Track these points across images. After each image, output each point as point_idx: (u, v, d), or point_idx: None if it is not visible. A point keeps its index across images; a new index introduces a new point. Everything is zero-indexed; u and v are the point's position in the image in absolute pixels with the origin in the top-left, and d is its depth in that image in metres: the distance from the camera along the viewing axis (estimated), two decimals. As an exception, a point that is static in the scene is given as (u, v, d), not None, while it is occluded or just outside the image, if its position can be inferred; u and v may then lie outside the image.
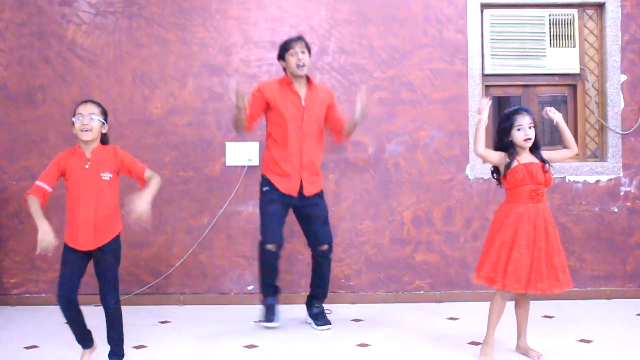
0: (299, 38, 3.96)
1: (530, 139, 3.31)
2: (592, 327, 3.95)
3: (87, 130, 3.13)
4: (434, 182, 4.65)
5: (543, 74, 4.72)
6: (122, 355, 3.30)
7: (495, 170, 3.46)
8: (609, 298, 4.64)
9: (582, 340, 3.69)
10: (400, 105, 4.64)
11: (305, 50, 3.93)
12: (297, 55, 3.88)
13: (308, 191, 3.94)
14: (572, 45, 4.68)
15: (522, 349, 3.47)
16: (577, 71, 4.71)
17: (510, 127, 3.32)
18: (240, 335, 3.89)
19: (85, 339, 3.29)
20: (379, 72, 4.64)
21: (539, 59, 4.67)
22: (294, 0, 4.64)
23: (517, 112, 3.34)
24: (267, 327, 4.00)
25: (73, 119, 3.16)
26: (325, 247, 4.02)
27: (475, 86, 4.63)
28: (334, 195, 4.62)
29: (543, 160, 3.37)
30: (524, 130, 3.30)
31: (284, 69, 4.01)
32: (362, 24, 4.64)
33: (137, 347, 3.65)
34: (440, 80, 4.65)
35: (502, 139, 3.37)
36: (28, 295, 4.64)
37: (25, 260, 4.63)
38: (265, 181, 3.98)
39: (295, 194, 3.92)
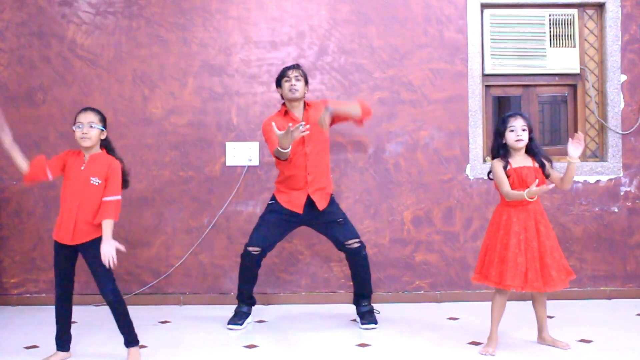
0: (295, 66, 4.07)
1: (520, 139, 3.44)
2: (592, 327, 3.95)
3: (86, 138, 3.37)
4: (434, 182, 4.65)
5: (543, 74, 4.71)
6: (132, 342, 3.45)
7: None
8: (609, 298, 4.64)
9: (582, 340, 3.69)
10: (400, 105, 4.64)
11: (301, 78, 4.02)
12: (290, 81, 3.99)
13: (321, 205, 3.99)
14: (572, 45, 4.68)
15: (547, 340, 3.60)
16: (577, 71, 4.71)
17: (505, 129, 3.47)
18: (240, 335, 3.90)
19: (62, 340, 3.47)
20: (379, 72, 4.64)
21: (539, 59, 4.67)
22: (294, 0, 4.64)
23: (511, 115, 3.50)
24: (230, 329, 3.98)
25: (74, 127, 3.38)
26: (353, 243, 4.02)
27: (475, 86, 4.63)
28: (334, 195, 4.61)
29: (541, 164, 3.49)
30: (515, 132, 3.44)
31: (282, 97, 4.09)
32: (362, 24, 4.64)
33: (137, 347, 3.66)
34: (440, 80, 4.65)
35: (497, 141, 3.53)
36: (28, 295, 4.64)
37: (25, 260, 4.63)
38: (271, 197, 4.10)
39: (299, 210, 3.96)
